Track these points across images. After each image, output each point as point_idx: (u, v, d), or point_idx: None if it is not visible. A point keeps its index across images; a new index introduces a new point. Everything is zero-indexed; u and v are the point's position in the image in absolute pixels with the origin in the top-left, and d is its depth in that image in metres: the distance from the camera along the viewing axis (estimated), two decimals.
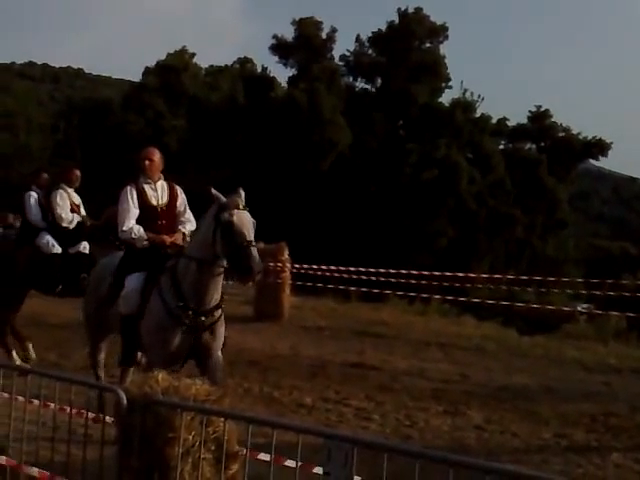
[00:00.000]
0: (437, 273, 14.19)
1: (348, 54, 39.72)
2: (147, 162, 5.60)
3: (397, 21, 38.09)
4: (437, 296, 14.81)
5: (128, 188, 5.53)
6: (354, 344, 9.88)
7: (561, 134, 38.63)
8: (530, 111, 39.60)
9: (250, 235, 4.61)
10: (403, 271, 14.63)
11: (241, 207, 4.70)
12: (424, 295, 14.83)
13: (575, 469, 5.21)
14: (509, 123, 39.58)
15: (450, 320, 13.79)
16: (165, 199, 5.60)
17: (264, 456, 3.78)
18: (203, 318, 4.88)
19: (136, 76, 45.44)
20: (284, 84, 39.93)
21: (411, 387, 7.60)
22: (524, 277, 15.89)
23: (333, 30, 39.83)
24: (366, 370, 8.27)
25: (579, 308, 16.51)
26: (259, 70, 40.85)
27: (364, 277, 14.02)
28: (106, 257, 6.20)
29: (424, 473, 2.47)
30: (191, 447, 3.12)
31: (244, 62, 42.73)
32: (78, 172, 8.75)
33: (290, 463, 3.49)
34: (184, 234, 5.51)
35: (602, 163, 43.36)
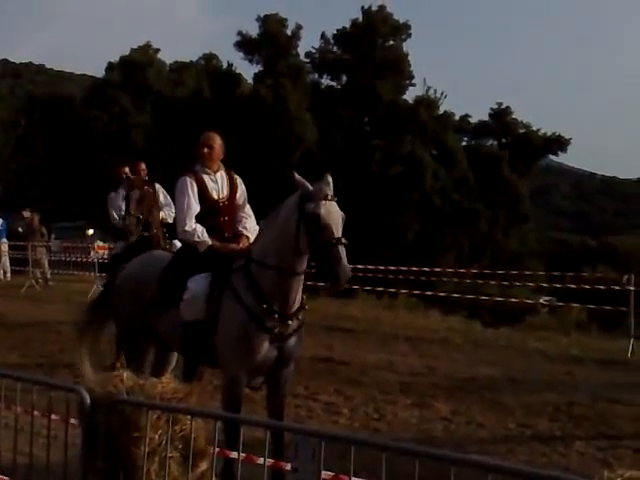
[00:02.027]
0: (404, 267, 14.31)
1: (313, 51, 39.83)
2: (206, 150, 4.86)
3: (361, 19, 38.27)
4: (404, 290, 14.94)
5: (187, 179, 4.80)
6: (323, 339, 9.89)
7: (522, 130, 39.24)
8: (491, 108, 40.15)
9: (338, 231, 4.02)
10: (371, 266, 14.72)
11: (329, 197, 4.10)
12: (392, 290, 14.94)
13: (539, 458, 5.30)
14: (471, 120, 40.12)
15: (417, 314, 13.90)
16: (226, 192, 4.89)
17: (233, 453, 3.76)
18: (290, 322, 4.31)
19: (99, 72, 44.84)
20: (250, 80, 39.83)
21: (380, 381, 7.65)
22: (488, 271, 16.14)
23: (298, 27, 39.88)
24: (335, 365, 8.29)
25: (541, 300, 16.82)
26: (224, 66, 40.64)
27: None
28: (139, 257, 5.43)
29: (391, 465, 2.49)
30: (158, 446, 3.08)
31: (209, 58, 42.43)
32: (143, 165, 8.71)
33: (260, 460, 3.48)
34: (247, 237, 4.81)
35: (562, 159, 44.19)
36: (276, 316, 4.23)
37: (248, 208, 5.00)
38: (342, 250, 3.97)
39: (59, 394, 3.27)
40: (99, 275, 16.35)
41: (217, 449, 3.14)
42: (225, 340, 4.32)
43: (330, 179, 4.18)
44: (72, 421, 3.25)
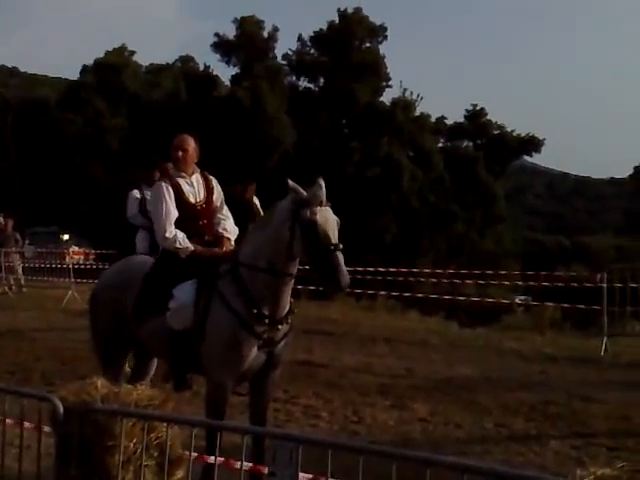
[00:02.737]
0: (382, 269, 14.37)
1: (290, 53, 39.84)
2: (180, 153, 4.76)
3: (337, 21, 38.36)
4: (383, 292, 14.99)
5: (163, 185, 4.71)
6: (302, 342, 9.88)
7: (496, 132, 39.62)
8: (466, 110, 40.49)
9: (335, 237, 4.00)
10: (349, 268, 14.69)
11: (324, 203, 4.06)
12: (370, 292, 14.98)
13: (516, 457, 5.34)
14: (447, 122, 40.41)
15: (396, 315, 13.97)
16: (202, 195, 4.79)
17: (211, 459, 3.74)
18: (280, 327, 4.26)
19: (74, 74, 44.40)
20: (227, 82, 39.73)
21: (358, 383, 7.67)
22: (464, 271, 16.24)
23: (275, 29, 39.90)
24: (314, 368, 8.29)
25: (517, 300, 16.96)
26: (201, 68, 40.49)
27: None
28: (116, 265, 5.34)
29: (369, 467, 2.50)
30: (133, 454, 3.05)
31: (186, 60, 42.28)
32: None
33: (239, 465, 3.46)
34: (229, 239, 4.75)
35: (536, 159, 44.67)
36: (266, 321, 4.18)
37: (226, 210, 4.91)
38: (340, 256, 3.97)
39: (32, 403, 3.23)
40: (74, 281, 16.18)
41: (194, 455, 3.12)
42: (213, 347, 4.23)
43: (323, 184, 4.12)
44: (45, 430, 3.22)
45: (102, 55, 40.64)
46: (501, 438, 5.88)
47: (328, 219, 4.02)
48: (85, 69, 41.36)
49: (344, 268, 3.95)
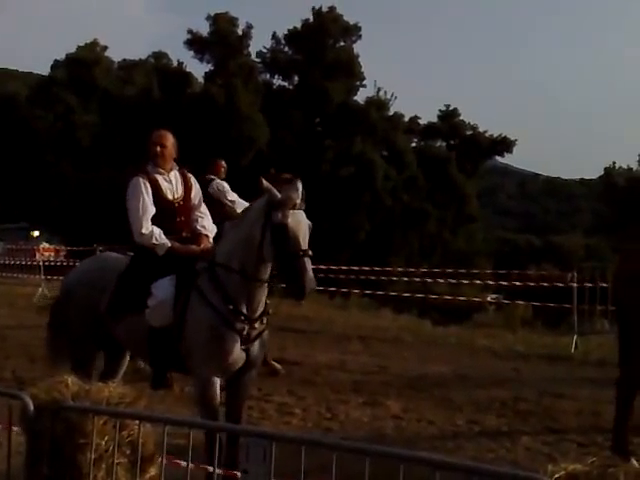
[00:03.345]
0: (356, 267, 14.41)
1: (265, 51, 39.71)
2: (159, 148, 4.67)
3: (312, 19, 38.35)
4: (356, 290, 15.03)
5: (140, 180, 4.58)
6: (276, 340, 9.87)
7: (469, 132, 39.95)
8: (440, 110, 40.76)
9: (305, 242, 3.93)
10: (323, 266, 14.75)
11: (298, 206, 3.98)
12: (344, 290, 15.01)
13: (487, 453, 5.39)
14: (420, 121, 40.65)
15: (369, 313, 14.01)
16: (180, 191, 4.72)
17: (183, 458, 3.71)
18: (256, 325, 4.23)
19: (44, 69, 43.81)
20: (200, 79, 39.48)
21: (332, 380, 7.69)
22: (437, 270, 16.35)
23: (249, 26, 39.74)
24: (288, 365, 8.28)
25: (488, 298, 17.14)
26: (174, 65, 40.15)
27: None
28: (86, 262, 5.28)
29: (343, 464, 2.51)
30: (104, 452, 3.02)
31: (159, 56, 41.89)
32: (224, 162, 8.45)
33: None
34: (207, 236, 4.70)
35: (507, 160, 45.15)
36: (242, 318, 4.15)
37: (204, 207, 4.86)
38: (308, 262, 3.90)
39: (2, 401, 3.18)
40: (45, 278, 15.99)
41: (166, 454, 3.10)
42: (195, 343, 4.19)
43: (300, 185, 4.07)
44: (15, 429, 3.17)
45: (74, 50, 40.12)
46: (473, 434, 5.93)
47: (299, 223, 3.96)
48: (56, 64, 40.78)
49: (311, 274, 3.90)
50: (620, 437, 4.91)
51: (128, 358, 5.13)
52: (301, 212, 4.01)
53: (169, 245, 4.51)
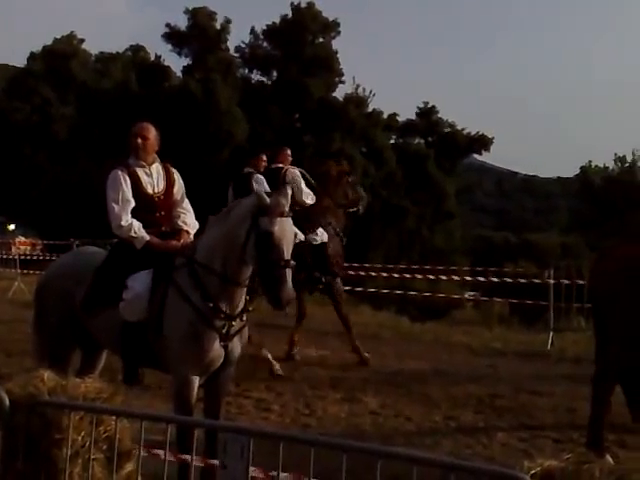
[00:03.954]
0: None
1: (243, 46, 39.55)
2: (140, 140, 4.59)
3: (291, 15, 38.25)
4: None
5: (119, 173, 4.53)
6: (255, 336, 9.86)
7: (447, 130, 40.12)
8: (418, 107, 40.90)
9: (288, 252, 3.90)
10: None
11: (285, 214, 3.95)
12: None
13: (464, 449, 5.43)
14: (399, 118, 40.73)
15: (348, 309, 13.95)
16: (162, 186, 4.65)
17: (160, 453, 3.69)
18: (234, 323, 4.20)
19: (21, 61, 43.18)
20: (178, 73, 39.23)
21: (310, 376, 7.70)
22: (415, 266, 16.40)
23: (227, 21, 39.56)
24: (266, 361, 8.25)
25: (466, 295, 17.25)
26: (152, 58, 39.84)
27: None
28: (65, 255, 5.30)
29: (320, 459, 2.51)
30: (81, 448, 3.01)
31: (136, 50, 41.52)
32: (289, 151, 8.53)
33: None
34: (188, 232, 4.65)
35: (485, 158, 45.43)
36: (222, 315, 4.12)
37: (186, 203, 4.80)
38: (288, 273, 3.88)
39: None
40: (21, 272, 15.80)
41: (143, 450, 3.08)
42: (173, 340, 4.14)
43: (289, 191, 4.06)
44: None
45: (50, 42, 39.65)
46: (450, 430, 5.97)
47: (285, 232, 3.92)
48: (33, 56, 40.25)
49: (289, 286, 3.86)
50: (596, 433, 4.95)
51: (105, 354, 5.10)
52: (288, 220, 3.98)
53: (147, 239, 4.46)
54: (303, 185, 7.94)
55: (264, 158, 8.38)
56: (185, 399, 4.19)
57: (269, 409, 6.41)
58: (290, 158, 8.36)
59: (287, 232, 3.94)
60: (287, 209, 3.98)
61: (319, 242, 7.99)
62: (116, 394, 3.32)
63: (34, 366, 4.42)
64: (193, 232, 4.69)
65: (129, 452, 3.19)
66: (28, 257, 18.68)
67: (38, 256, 18.98)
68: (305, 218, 7.65)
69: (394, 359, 8.76)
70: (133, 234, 4.45)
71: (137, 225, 4.47)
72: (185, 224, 4.70)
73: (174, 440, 3.68)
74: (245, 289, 4.21)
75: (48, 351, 4.74)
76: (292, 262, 3.93)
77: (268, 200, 3.95)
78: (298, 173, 8.00)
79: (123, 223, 4.45)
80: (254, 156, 8.36)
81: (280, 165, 8.06)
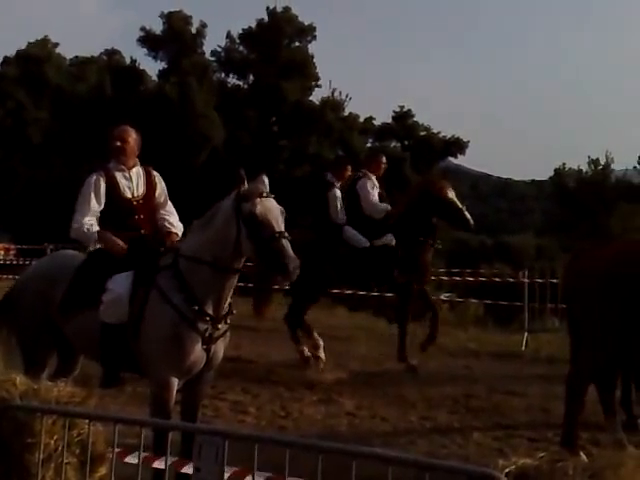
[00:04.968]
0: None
1: (219, 50, 39.45)
2: (120, 144, 4.61)
3: (267, 19, 38.27)
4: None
5: (94, 178, 4.55)
6: (231, 339, 9.79)
7: (422, 133, 40.34)
8: (394, 111, 41.09)
9: (279, 225, 3.91)
10: None
11: (265, 195, 3.98)
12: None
13: (439, 449, 5.47)
14: (375, 122, 40.87)
15: (324, 312, 14.00)
16: (142, 189, 4.65)
17: (135, 456, 3.66)
18: (220, 325, 4.17)
19: None
20: (154, 77, 39.00)
21: (287, 378, 7.69)
22: None
23: (203, 25, 39.40)
24: (243, 364, 8.27)
25: (442, 297, 17.36)
26: (127, 62, 39.59)
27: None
28: (43, 259, 5.32)
29: (296, 461, 2.52)
30: (53, 452, 2.99)
31: (111, 54, 41.25)
32: (384, 159, 8.62)
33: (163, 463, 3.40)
34: (176, 234, 4.64)
35: (461, 161, 45.70)
36: (207, 318, 4.08)
37: (170, 205, 4.81)
38: (286, 243, 3.88)
39: None
40: None
41: (116, 453, 3.06)
42: (153, 342, 4.09)
43: (265, 179, 4.08)
44: None
45: (24, 46, 39.26)
46: (425, 430, 6.02)
47: (270, 208, 3.94)
48: (6, 60, 39.79)
49: (291, 253, 3.85)
50: (570, 432, 5.00)
51: (81, 359, 5.05)
52: (270, 199, 3.99)
53: (96, 237, 4.45)
54: (373, 197, 8.16)
55: (349, 169, 8.53)
56: (163, 402, 4.15)
57: (245, 411, 6.41)
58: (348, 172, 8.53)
59: (272, 209, 3.95)
60: (266, 191, 4.00)
61: (381, 244, 8.02)
62: (89, 397, 3.30)
63: (8, 369, 4.37)
64: (180, 233, 4.69)
65: (102, 456, 3.17)
66: (1, 262, 18.42)
67: (11, 261, 18.72)
68: (372, 224, 8.03)
69: (370, 361, 8.78)
70: (84, 231, 4.46)
71: (88, 224, 4.48)
72: (172, 225, 4.71)
73: (150, 443, 3.66)
74: (234, 284, 4.19)
75: (23, 354, 4.64)
76: (287, 235, 3.91)
77: (245, 187, 3.99)
78: (366, 184, 8.21)
79: (75, 224, 4.49)
80: (339, 167, 8.53)
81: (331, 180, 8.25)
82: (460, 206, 8.11)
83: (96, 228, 4.49)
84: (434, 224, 8.23)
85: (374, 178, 8.43)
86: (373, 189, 8.24)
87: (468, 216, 8.14)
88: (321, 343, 8.32)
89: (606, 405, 5.27)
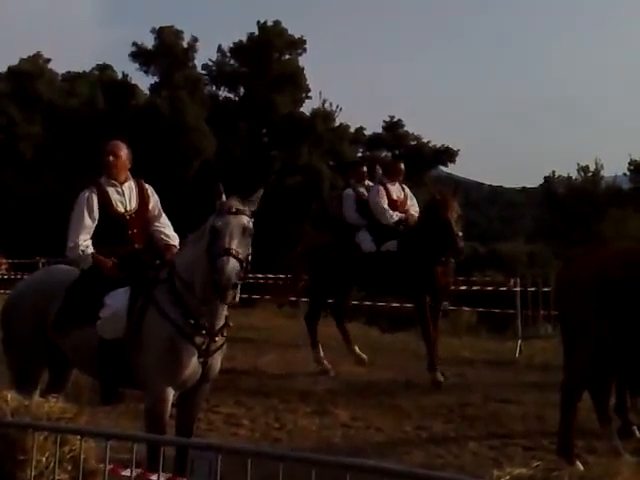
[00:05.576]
0: (305, 276, 14.36)
1: (210, 63, 39.63)
2: (111, 158, 4.63)
3: (257, 33, 38.49)
4: (305, 299, 14.97)
5: (86, 194, 4.58)
6: (225, 351, 9.76)
7: (413, 142, 40.48)
8: (384, 121, 41.26)
9: (231, 242, 3.88)
10: (271, 275, 14.70)
11: (234, 210, 3.99)
12: (292, 298, 14.95)
13: (435, 459, 5.44)
14: (366, 132, 41.00)
15: (318, 322, 13.97)
16: (134, 203, 4.68)
17: (126, 472, 3.63)
18: (216, 339, 4.19)
19: None
20: (146, 92, 39.08)
21: (280, 390, 7.63)
22: None
23: (194, 39, 39.62)
24: (236, 375, 8.18)
25: None
26: (119, 77, 39.70)
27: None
28: (37, 272, 5.46)
29: (291, 474, 2.50)
30: (45, 469, 2.97)
31: (103, 68, 41.37)
32: (402, 165, 8.63)
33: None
34: (175, 246, 4.66)
35: (451, 169, 45.78)
36: (203, 332, 4.11)
37: (164, 217, 4.84)
38: (229, 261, 3.83)
39: None
40: None
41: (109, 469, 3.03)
42: (150, 356, 4.11)
43: (259, 194, 4.15)
44: None
45: (16, 62, 39.34)
46: (421, 441, 5.98)
47: (229, 224, 3.95)
48: None
49: (228, 271, 3.80)
50: (565, 440, 4.97)
51: (73, 373, 5.02)
52: (237, 216, 4.00)
53: (91, 259, 4.46)
54: (379, 202, 8.20)
55: (364, 169, 8.76)
56: (158, 416, 4.14)
57: (239, 424, 6.36)
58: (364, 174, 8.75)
59: (230, 224, 3.95)
60: (237, 208, 4.01)
61: (385, 250, 8.06)
62: (81, 413, 3.29)
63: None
64: (177, 244, 4.71)
65: (94, 472, 3.14)
66: (5, 277, 18.39)
67: (3, 275, 18.68)
68: (384, 230, 8.11)
69: (364, 371, 8.73)
70: (80, 253, 4.48)
71: (84, 245, 4.50)
72: (169, 237, 4.74)
73: (141, 459, 3.63)
74: (226, 306, 4.18)
75: (16, 370, 4.65)
76: (235, 252, 3.88)
77: (220, 202, 4.04)
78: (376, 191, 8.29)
79: (70, 244, 4.50)
80: (353, 168, 8.92)
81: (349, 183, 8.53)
82: (455, 231, 7.73)
83: (91, 250, 4.50)
84: (446, 238, 7.78)
85: (393, 184, 8.50)
86: (382, 195, 8.28)
87: (460, 245, 7.77)
88: (364, 357, 8.71)
89: (601, 412, 5.26)
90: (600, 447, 5.47)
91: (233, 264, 3.84)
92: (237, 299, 4.13)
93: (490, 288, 12.42)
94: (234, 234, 3.93)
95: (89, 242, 4.52)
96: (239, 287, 4.03)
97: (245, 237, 3.99)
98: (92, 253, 4.50)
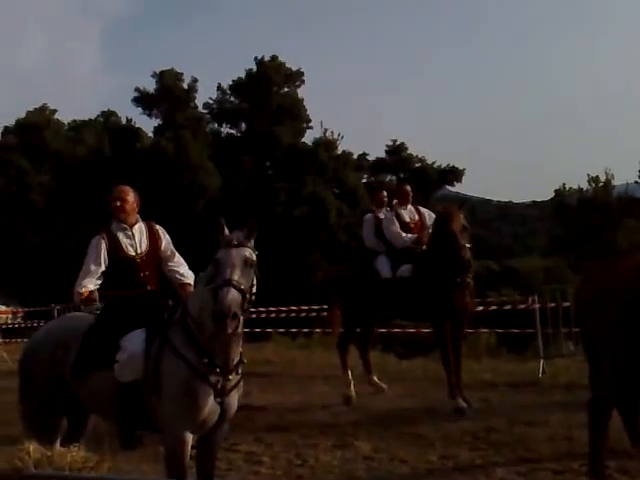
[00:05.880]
0: (316, 306, 14.33)
1: (211, 102, 40.22)
2: (119, 203, 4.73)
3: (255, 69, 38.99)
4: (318, 329, 14.91)
5: (95, 239, 4.69)
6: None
7: (417, 164, 40.59)
8: (387, 145, 41.44)
9: (231, 273, 3.87)
10: (283, 307, 14.67)
11: (235, 243, 4.01)
12: (305, 329, 14.89)
13: None
14: (369, 158, 41.22)
15: (333, 352, 13.85)
16: (145, 245, 4.75)
17: None
18: (231, 377, 4.17)
19: None
20: (150, 134, 39.60)
21: (299, 424, 7.50)
22: None
23: (194, 80, 40.35)
24: (253, 412, 8.07)
25: None
26: (124, 122, 40.30)
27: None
28: (52, 321, 5.55)
29: None
30: None
31: (108, 115, 42.11)
32: (408, 187, 8.84)
33: None
34: (190, 284, 4.73)
35: (458, 188, 45.83)
36: (218, 370, 4.10)
37: (178, 256, 4.90)
38: (228, 291, 3.81)
39: None
40: (2, 341, 15.57)
41: None
42: (168, 398, 4.10)
43: (253, 224, 4.13)
44: None
45: (23, 115, 40.12)
46: (447, 470, 5.80)
47: (228, 256, 3.96)
48: (7, 130, 40.60)
49: (228, 301, 3.78)
50: (596, 462, 4.81)
51: (92, 419, 4.98)
52: (238, 248, 4.00)
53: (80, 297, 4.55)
54: (391, 227, 8.32)
55: (384, 194, 8.90)
56: (179, 459, 4.10)
57: (260, 462, 6.22)
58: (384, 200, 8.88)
59: (230, 256, 3.95)
60: (239, 241, 4.02)
61: (399, 276, 8.08)
62: (102, 461, 3.24)
63: (20, 436, 4.28)
64: (192, 282, 4.74)
65: None
66: (9, 326, 18.46)
67: (19, 324, 18.78)
68: (400, 254, 8.17)
69: (384, 400, 8.60)
70: (77, 296, 4.58)
71: (82, 286, 4.58)
72: (183, 277, 4.79)
73: None
74: (240, 340, 4.18)
75: (36, 420, 4.61)
76: (237, 283, 3.86)
77: (223, 236, 4.06)
78: (388, 216, 8.46)
79: (77, 289, 4.57)
80: (374, 194, 9.09)
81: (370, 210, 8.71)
82: (460, 241, 7.52)
83: (83, 289, 4.57)
84: (452, 249, 7.55)
85: (404, 208, 8.58)
86: (393, 221, 8.38)
87: (465, 256, 7.54)
88: (383, 386, 8.83)
89: (631, 430, 5.11)
90: (633, 468, 5.28)
91: (233, 294, 3.82)
92: (239, 330, 4.01)
93: (508, 307, 12.24)
94: (235, 265, 3.93)
95: (89, 284, 4.59)
96: (242, 319, 3.96)
97: (247, 268, 3.98)
98: (77, 291, 4.56)
